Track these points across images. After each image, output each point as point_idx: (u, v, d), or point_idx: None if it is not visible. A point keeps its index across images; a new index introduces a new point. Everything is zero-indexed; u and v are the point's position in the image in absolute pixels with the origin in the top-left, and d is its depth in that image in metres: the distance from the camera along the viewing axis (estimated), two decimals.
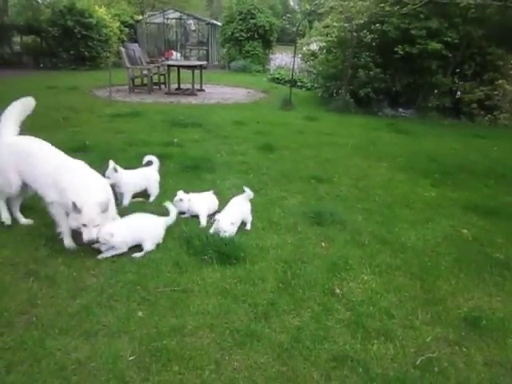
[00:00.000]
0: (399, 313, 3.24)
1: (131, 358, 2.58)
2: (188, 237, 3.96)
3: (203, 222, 4.34)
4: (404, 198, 5.63)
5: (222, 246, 3.76)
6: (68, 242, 3.76)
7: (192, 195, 4.50)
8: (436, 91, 12.16)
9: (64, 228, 3.74)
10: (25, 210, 4.31)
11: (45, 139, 6.60)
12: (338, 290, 3.44)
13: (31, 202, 4.45)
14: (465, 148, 8.85)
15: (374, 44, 12.08)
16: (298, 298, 3.31)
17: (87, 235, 3.50)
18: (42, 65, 19.53)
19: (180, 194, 4.42)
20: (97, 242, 3.55)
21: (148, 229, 3.80)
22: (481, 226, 4.93)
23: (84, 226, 3.48)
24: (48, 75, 16.29)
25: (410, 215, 5.10)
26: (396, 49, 11.07)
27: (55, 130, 7.88)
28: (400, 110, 12.48)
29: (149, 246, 3.74)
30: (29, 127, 7.68)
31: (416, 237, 4.50)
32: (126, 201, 4.60)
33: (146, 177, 4.86)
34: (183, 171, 5.89)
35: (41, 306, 2.99)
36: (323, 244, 4.19)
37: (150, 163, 4.99)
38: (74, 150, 6.28)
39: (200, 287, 3.33)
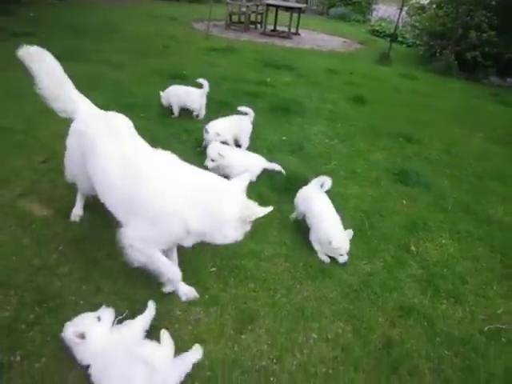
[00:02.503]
0: (473, 281, 3.20)
1: (212, 269, 2.84)
2: (271, 172, 4.10)
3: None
4: (497, 171, 5.31)
5: None
6: None
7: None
8: None
9: None
10: None
11: (148, 65, 6.94)
12: (413, 248, 3.45)
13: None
14: None
15: (493, 3, 10.92)
16: (373, 247, 3.37)
17: None
18: None
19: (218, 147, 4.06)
20: None
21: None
22: None
23: None
24: (151, 4, 16.67)
25: (501, 189, 4.84)
26: None
27: (156, 57, 8.25)
28: (508, 79, 11.40)
29: None
30: (133, 52, 8.17)
31: (504, 211, 4.29)
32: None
33: (239, 125, 4.71)
34: (272, 111, 5.96)
35: None
36: (404, 202, 4.15)
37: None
38: (173, 77, 6.57)
39: (279, 221, 3.50)
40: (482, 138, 6.63)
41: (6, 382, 1.93)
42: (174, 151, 4.15)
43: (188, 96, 5.25)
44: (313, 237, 3.20)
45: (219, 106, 5.66)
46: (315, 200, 3.28)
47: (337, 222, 3.17)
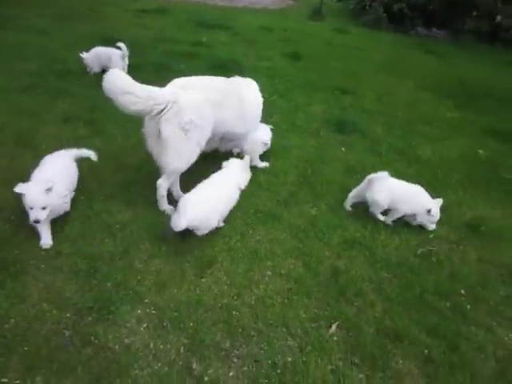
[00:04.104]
0: None
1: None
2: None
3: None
4: (426, 117, 5.73)
5: None
6: None
7: None
8: (475, 13, 11.55)
9: None
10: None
11: (76, 30, 6.63)
12: (353, 189, 3.72)
13: (65, 87, 4.66)
14: (495, 75, 8.67)
15: None
16: (316, 191, 3.62)
17: None
18: None
19: None
20: None
21: None
22: (497, 148, 5.09)
23: None
24: None
25: (429, 132, 5.25)
26: None
27: (83, 21, 7.86)
28: (434, 30, 11.99)
29: None
30: (57, 17, 7.72)
31: (432, 152, 4.69)
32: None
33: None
34: (210, 70, 5.92)
35: (85, 178, 3.26)
36: (343, 149, 4.42)
37: None
38: (103, 41, 6.33)
39: None
40: (412, 86, 7.04)
41: None
42: (116, 116, 4.16)
43: (109, 57, 5.28)
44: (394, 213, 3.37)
45: (156, 69, 5.60)
46: (399, 182, 3.45)
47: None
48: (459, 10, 11.42)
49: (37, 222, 2.49)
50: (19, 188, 2.46)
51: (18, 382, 1.87)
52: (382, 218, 3.40)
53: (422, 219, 3.36)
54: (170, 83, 3.13)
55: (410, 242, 3.21)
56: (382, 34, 10.88)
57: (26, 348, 2.00)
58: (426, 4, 11.55)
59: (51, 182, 2.51)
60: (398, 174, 4.03)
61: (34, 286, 2.31)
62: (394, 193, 3.34)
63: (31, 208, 2.46)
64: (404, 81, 7.18)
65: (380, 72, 7.48)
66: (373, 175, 3.33)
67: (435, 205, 3.32)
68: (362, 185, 3.41)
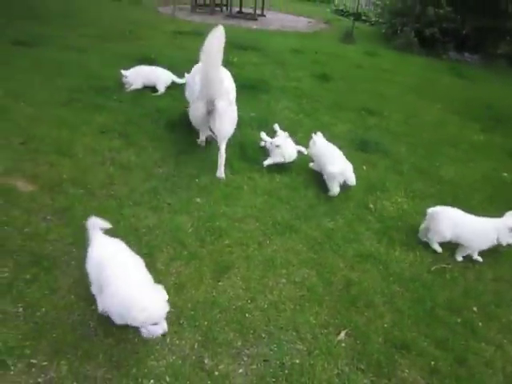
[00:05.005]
0: None
1: (190, 229, 3.13)
2: (243, 145, 4.39)
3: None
4: (451, 138, 5.76)
5: None
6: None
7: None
8: (508, 38, 11.45)
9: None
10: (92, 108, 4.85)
11: (114, 49, 7.07)
12: (371, 205, 3.83)
13: (102, 102, 5.00)
14: None
15: None
16: (335, 206, 3.73)
17: None
18: None
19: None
20: None
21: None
22: None
23: None
24: None
25: (453, 154, 5.27)
26: None
27: (123, 42, 8.31)
28: (466, 54, 11.92)
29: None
30: (97, 37, 8.22)
31: (455, 172, 4.72)
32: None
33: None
34: (240, 90, 6.18)
35: (117, 185, 3.55)
36: (364, 167, 4.51)
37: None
38: (140, 60, 6.70)
39: (249, 187, 3.81)
40: (440, 108, 7.07)
41: (13, 328, 2.19)
42: (148, 130, 4.44)
43: (154, 74, 5.70)
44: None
45: None
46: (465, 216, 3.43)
47: None
48: (492, 34, 11.38)
49: None
50: None
51: (45, 363, 2.05)
52: (438, 248, 3.36)
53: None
54: None
55: (425, 259, 3.26)
56: (413, 58, 10.92)
57: (54, 334, 2.19)
58: (458, 28, 11.54)
59: None
60: (418, 194, 4.12)
61: (64, 279, 2.51)
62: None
63: None
64: (432, 103, 7.21)
65: (408, 94, 7.54)
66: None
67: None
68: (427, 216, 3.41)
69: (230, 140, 4.02)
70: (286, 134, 4.32)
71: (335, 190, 3.80)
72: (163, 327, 2.07)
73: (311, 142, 4.22)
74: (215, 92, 3.74)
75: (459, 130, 6.18)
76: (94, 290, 2.28)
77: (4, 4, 10.02)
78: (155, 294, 2.07)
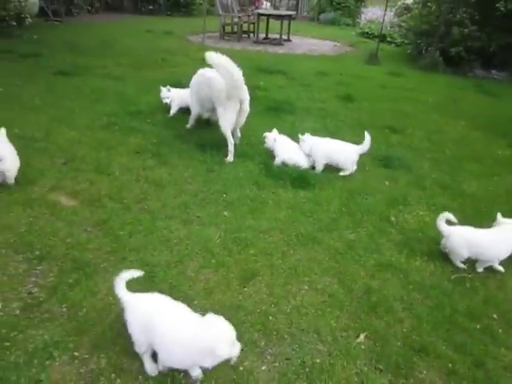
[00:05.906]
0: None
1: (218, 240, 3.34)
2: (267, 163, 4.61)
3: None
4: (475, 154, 5.80)
5: (294, 174, 4.38)
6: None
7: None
8: None
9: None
10: (128, 131, 5.19)
11: (148, 76, 7.52)
12: (393, 218, 3.94)
13: (137, 125, 5.34)
14: None
15: None
16: (357, 219, 3.86)
17: None
18: (143, 8, 20.28)
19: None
20: None
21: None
22: None
23: None
24: (146, 20, 17.33)
25: (477, 169, 5.32)
26: (497, 5, 10.45)
27: (156, 69, 8.82)
28: (493, 71, 11.91)
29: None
30: (132, 66, 8.74)
31: (478, 187, 4.77)
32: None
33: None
34: (266, 112, 6.48)
35: (150, 200, 3.82)
36: (387, 183, 4.64)
37: None
38: (172, 86, 7.08)
39: (274, 201, 4.00)
40: (464, 125, 7.11)
41: (59, 325, 2.43)
42: (179, 150, 4.72)
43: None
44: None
45: None
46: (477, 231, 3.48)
47: None
48: None
49: None
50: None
51: (86, 356, 2.26)
52: (462, 265, 3.40)
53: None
54: None
55: (446, 269, 3.33)
56: (438, 76, 11.00)
57: (94, 332, 2.41)
58: (484, 46, 11.57)
59: None
60: (440, 207, 4.19)
61: (103, 284, 2.75)
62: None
63: None
64: (456, 120, 7.27)
65: (432, 112, 7.63)
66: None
67: None
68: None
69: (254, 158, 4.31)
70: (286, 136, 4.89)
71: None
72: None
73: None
74: (245, 93, 4.78)
75: (484, 146, 6.21)
76: (138, 348, 2.22)
77: (45, 39, 10.79)
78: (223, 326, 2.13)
